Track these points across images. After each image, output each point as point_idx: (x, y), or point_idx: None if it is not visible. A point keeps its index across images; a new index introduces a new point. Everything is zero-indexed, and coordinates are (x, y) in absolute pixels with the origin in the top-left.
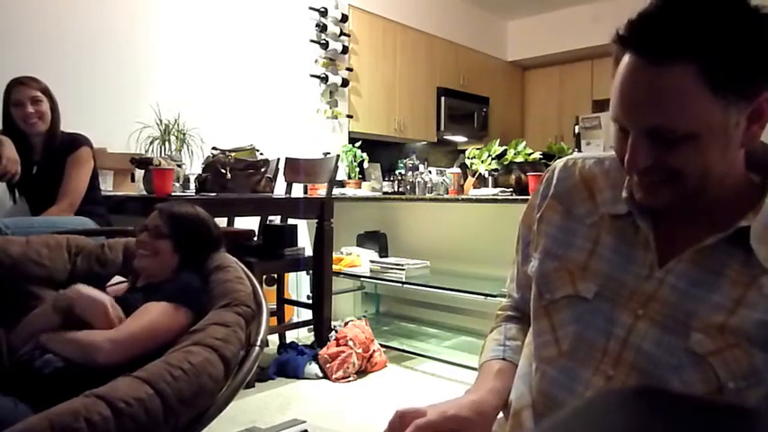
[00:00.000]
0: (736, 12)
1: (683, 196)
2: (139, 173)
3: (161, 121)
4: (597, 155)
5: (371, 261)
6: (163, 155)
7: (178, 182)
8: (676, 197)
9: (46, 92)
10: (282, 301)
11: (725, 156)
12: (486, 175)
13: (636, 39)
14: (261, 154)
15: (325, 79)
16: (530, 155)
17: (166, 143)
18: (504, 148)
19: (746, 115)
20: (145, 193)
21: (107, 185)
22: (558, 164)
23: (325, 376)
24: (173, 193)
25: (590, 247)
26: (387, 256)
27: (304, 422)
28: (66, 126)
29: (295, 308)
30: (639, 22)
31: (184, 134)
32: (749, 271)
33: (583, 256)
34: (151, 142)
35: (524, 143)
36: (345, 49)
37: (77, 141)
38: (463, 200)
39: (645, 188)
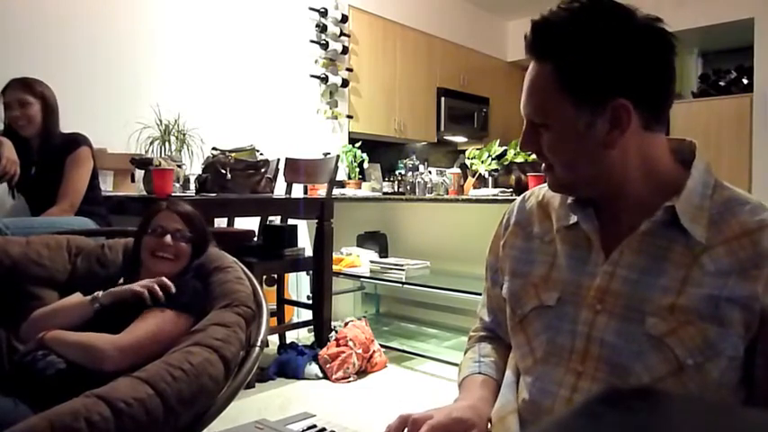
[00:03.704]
0: (611, 25)
1: (567, 185)
2: (139, 173)
3: (161, 121)
4: None
5: (371, 261)
6: (163, 155)
7: (178, 182)
8: (561, 185)
9: (39, 95)
10: (282, 301)
11: (585, 153)
12: (486, 176)
13: (527, 39)
14: (261, 154)
15: (325, 80)
16: (530, 155)
17: (166, 143)
18: (504, 148)
19: (609, 120)
20: (145, 193)
21: (107, 186)
22: (517, 199)
23: (326, 376)
24: (173, 194)
25: (550, 260)
26: (387, 257)
27: (314, 415)
28: (67, 126)
29: (295, 308)
30: (532, 25)
31: (184, 134)
32: (690, 251)
33: (544, 270)
34: (151, 143)
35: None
36: (345, 50)
37: (76, 141)
38: (463, 200)
39: (545, 174)
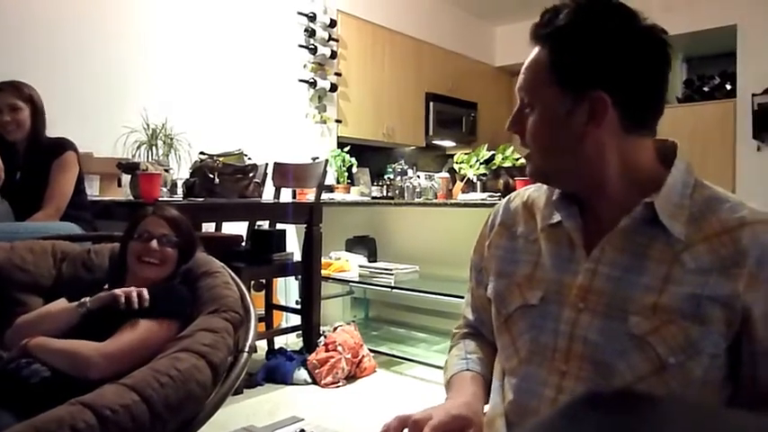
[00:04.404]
0: (610, 21)
1: (544, 173)
2: (126, 178)
3: (148, 125)
4: (536, 186)
5: (360, 266)
6: (150, 159)
7: (165, 187)
8: (539, 172)
9: (28, 99)
10: (271, 306)
11: (562, 141)
12: (475, 180)
13: (533, 24)
14: (249, 158)
15: (313, 84)
16: (517, 159)
17: (153, 148)
18: (492, 152)
19: (587, 111)
20: (132, 198)
21: (93, 190)
22: (503, 201)
23: (315, 382)
24: (160, 198)
25: (534, 260)
26: (376, 261)
27: (302, 420)
28: (53, 130)
29: (283, 313)
30: (541, 14)
31: (172, 139)
32: (671, 249)
33: (528, 269)
34: (138, 147)
35: (512, 148)
36: (334, 54)
37: (62, 146)
38: (452, 204)
39: (526, 162)
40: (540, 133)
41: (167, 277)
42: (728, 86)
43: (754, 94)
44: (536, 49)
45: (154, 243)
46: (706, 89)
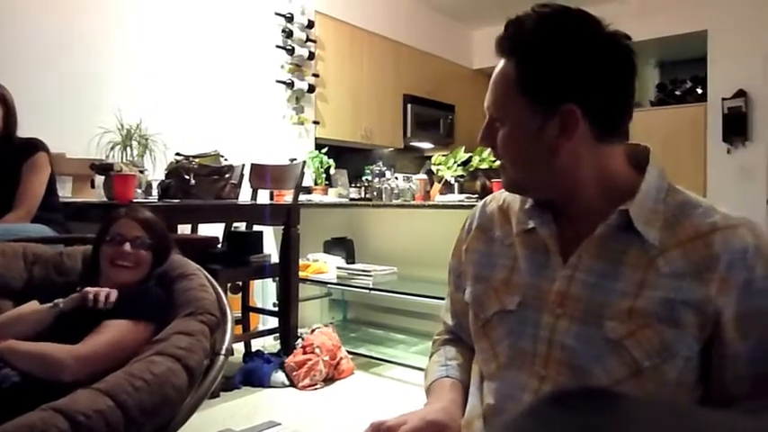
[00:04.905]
0: (575, 33)
1: (518, 184)
2: (100, 179)
3: (122, 125)
4: None
5: (338, 267)
6: (124, 160)
7: (140, 188)
8: (513, 184)
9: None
10: (248, 308)
11: (534, 154)
12: (452, 182)
13: (498, 36)
14: (225, 160)
15: (291, 85)
16: (494, 161)
17: (128, 148)
18: (470, 154)
19: (558, 125)
20: (105, 199)
21: (65, 192)
22: (479, 204)
23: (292, 384)
24: (135, 200)
25: (510, 264)
26: (354, 263)
27: (279, 424)
28: (24, 130)
29: (261, 316)
30: (505, 24)
31: (147, 139)
32: (646, 254)
33: (505, 274)
34: (112, 147)
35: (489, 150)
36: (312, 55)
37: (34, 146)
38: (429, 206)
39: (500, 173)
40: (511, 147)
41: (141, 280)
42: (699, 90)
43: (723, 98)
44: (502, 63)
45: (127, 246)
46: (678, 93)
